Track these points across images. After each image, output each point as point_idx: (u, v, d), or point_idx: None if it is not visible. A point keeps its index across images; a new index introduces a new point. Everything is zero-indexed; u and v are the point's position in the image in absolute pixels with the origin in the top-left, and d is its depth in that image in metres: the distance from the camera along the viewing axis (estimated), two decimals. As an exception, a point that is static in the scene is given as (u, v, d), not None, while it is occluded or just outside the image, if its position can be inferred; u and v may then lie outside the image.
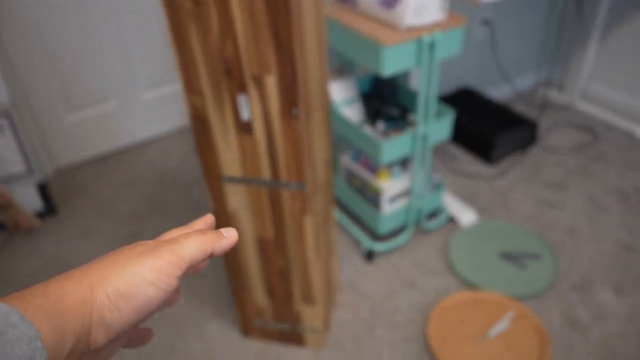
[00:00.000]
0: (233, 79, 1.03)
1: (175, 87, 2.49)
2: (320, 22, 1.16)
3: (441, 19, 1.41)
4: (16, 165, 1.96)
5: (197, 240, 0.36)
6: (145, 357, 1.54)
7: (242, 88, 1.04)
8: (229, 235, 0.38)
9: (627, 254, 1.77)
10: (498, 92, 2.62)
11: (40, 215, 2.08)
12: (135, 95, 2.39)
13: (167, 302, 0.36)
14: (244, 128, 1.10)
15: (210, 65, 1.02)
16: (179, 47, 1.01)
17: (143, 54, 2.32)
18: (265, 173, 1.17)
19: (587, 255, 1.77)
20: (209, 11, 0.94)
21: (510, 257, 1.76)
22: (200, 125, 1.13)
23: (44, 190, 2.06)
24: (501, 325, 1.53)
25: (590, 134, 2.37)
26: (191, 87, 1.07)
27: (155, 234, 1.98)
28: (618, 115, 2.45)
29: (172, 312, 1.66)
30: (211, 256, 0.37)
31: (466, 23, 2.28)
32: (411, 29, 1.38)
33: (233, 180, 1.20)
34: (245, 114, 1.08)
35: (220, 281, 1.76)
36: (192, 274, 0.40)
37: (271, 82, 1.02)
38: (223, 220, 1.29)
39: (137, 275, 0.32)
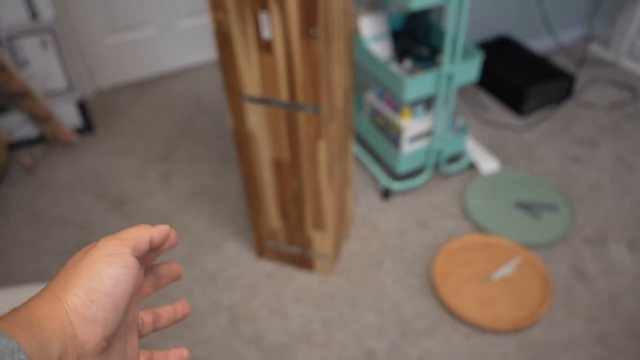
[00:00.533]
0: (255, -5, 1.05)
1: (213, 17, 2.51)
2: (349, -55, 1.16)
3: (477, -47, 1.37)
4: (58, 81, 2.05)
5: (133, 227, 0.37)
6: (165, 265, 1.65)
7: (264, 5, 1.06)
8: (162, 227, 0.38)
9: (647, 214, 1.74)
10: (539, 43, 2.53)
11: (79, 131, 2.19)
12: (175, 22, 2.43)
13: (139, 281, 0.37)
14: (265, 47, 1.13)
15: (234, -20, 1.05)
16: (205, -40, 1.04)
17: (183, -19, 2.34)
18: (283, 94, 1.20)
19: (606, 212, 1.76)
20: None
21: (526, 206, 1.76)
22: (223, 42, 1.16)
23: (83, 108, 2.16)
24: (506, 270, 1.56)
25: (631, 92, 2.29)
26: (216, 1, 1.10)
27: (185, 155, 2.06)
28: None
29: (194, 230, 1.76)
30: (153, 245, 0.37)
31: (512, -33, 2.19)
32: (444, -38, 1.35)
33: (253, 99, 1.24)
34: (266, 32, 1.10)
35: (240, 207, 1.84)
36: (155, 255, 0.41)
37: (292, 1, 1.04)
38: (243, 140, 1.35)
39: (93, 265, 0.32)
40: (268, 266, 1.64)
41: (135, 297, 0.38)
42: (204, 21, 2.49)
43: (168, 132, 2.20)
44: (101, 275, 0.32)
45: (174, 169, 2.01)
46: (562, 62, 2.49)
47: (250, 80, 1.21)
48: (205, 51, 2.59)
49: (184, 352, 0.42)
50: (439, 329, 1.45)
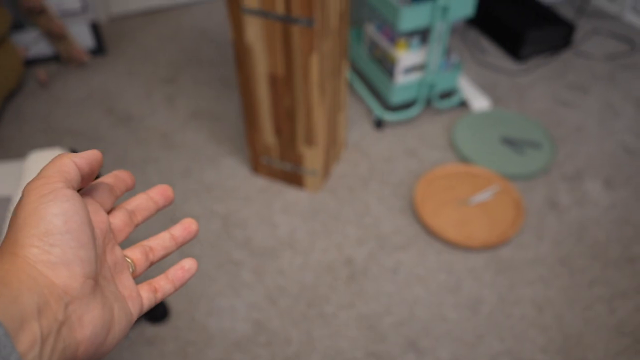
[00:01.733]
0: None
1: (225, -50, 2.55)
2: None
3: None
4: (73, 1, 2.13)
5: (51, 161, 0.32)
6: (164, 176, 1.77)
7: None
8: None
9: (626, 155, 1.82)
10: (546, -6, 2.55)
11: (91, 52, 2.28)
12: (186, -48, 2.48)
13: (99, 217, 0.34)
14: (263, -44, 1.20)
15: None
16: None
17: None
18: (280, 6, 1.28)
19: (587, 152, 1.84)
20: None
21: (510, 142, 1.84)
22: (224, -49, 1.23)
23: (96, 30, 2.25)
24: (483, 195, 1.66)
25: (629, 44, 2.32)
26: None
27: (189, 80, 2.16)
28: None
29: (193, 146, 1.87)
30: (83, 171, 0.32)
31: None
32: None
33: (251, 12, 1.32)
34: (264, -59, 1.17)
35: (238, 128, 1.94)
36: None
37: None
38: (241, 52, 1.43)
39: (32, 212, 0.28)
40: (261, 181, 1.75)
41: (109, 237, 0.34)
42: (216, -47, 2.54)
43: (174, 58, 2.29)
44: (46, 218, 0.28)
45: (177, 92, 2.11)
46: (566, 12, 2.52)
47: (249, -9, 1.29)
48: (216, -16, 2.64)
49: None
50: (414, 244, 1.56)
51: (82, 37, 2.23)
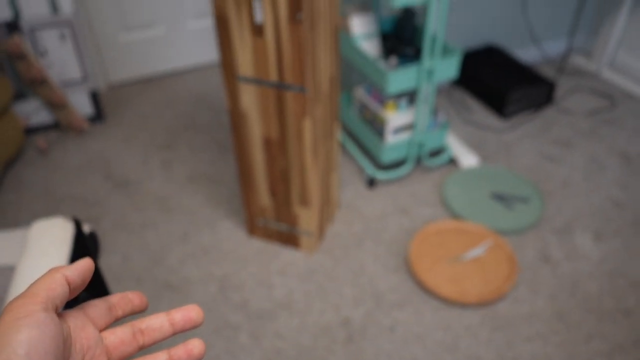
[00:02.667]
0: (249, -17, 1.21)
1: (220, 21, 2.69)
2: (334, -54, 1.32)
3: (453, -40, 1.53)
4: (73, 71, 2.22)
5: (43, 276, 0.33)
6: (163, 241, 1.79)
7: (256, -7, 1.22)
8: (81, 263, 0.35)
9: (614, 208, 1.86)
10: (525, 54, 2.68)
11: (90, 120, 2.35)
12: (183, 23, 2.61)
13: (67, 334, 0.33)
14: (257, 30, 1.28)
15: (231, -30, 1.20)
16: (206, -48, 1.20)
17: (193, -14, 2.53)
18: (273, 74, 1.35)
19: (575, 206, 1.88)
20: None
21: (500, 197, 1.89)
22: (221, 25, 1.31)
23: (95, 98, 2.33)
24: (477, 251, 1.68)
25: (609, 100, 2.42)
26: (215, -10, 1.25)
27: (186, 145, 2.22)
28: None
29: (191, 210, 1.90)
30: (73, 285, 0.34)
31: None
32: (423, -34, 1.51)
33: (246, 79, 1.39)
34: (258, 17, 1.25)
35: (234, 191, 1.98)
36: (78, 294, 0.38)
37: (280, -11, 1.19)
38: (236, 117, 1.49)
39: (4, 331, 0.29)
40: (257, 243, 1.77)
41: (95, 354, 0.34)
42: (209, 23, 2.67)
43: (171, 124, 2.36)
44: (11, 344, 0.28)
45: (174, 157, 2.16)
46: (546, 71, 2.64)
47: (244, 61, 1.36)
48: (209, 52, 2.76)
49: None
50: (411, 301, 1.57)
51: (81, 105, 2.30)
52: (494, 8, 2.43)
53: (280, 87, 1.37)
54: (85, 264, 0.35)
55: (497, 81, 2.31)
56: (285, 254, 1.73)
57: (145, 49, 2.61)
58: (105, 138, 2.27)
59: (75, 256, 0.85)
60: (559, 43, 2.74)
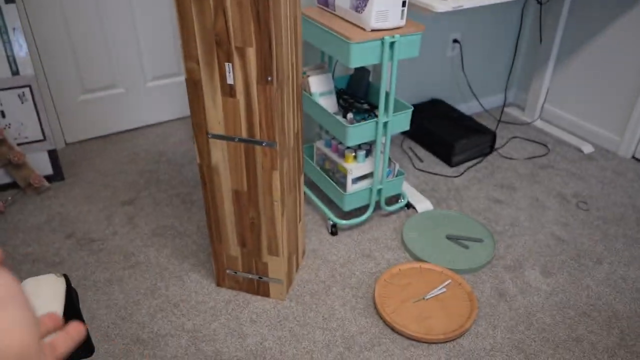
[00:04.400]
0: (222, 49, 1.31)
1: (177, 79, 2.78)
2: (297, 14, 1.45)
3: (402, 25, 1.71)
4: (32, 131, 2.23)
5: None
6: (130, 297, 1.79)
7: (229, 57, 1.32)
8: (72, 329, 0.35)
9: (557, 244, 2.03)
10: (467, 107, 2.91)
11: (49, 179, 2.34)
12: (142, 84, 2.68)
13: None
14: (228, 91, 1.38)
15: (205, 37, 1.31)
16: (182, 22, 1.30)
17: (152, 47, 2.62)
18: (243, 131, 1.44)
19: (523, 244, 2.03)
20: (207, -7, 1.23)
21: (455, 239, 2.01)
22: (194, 87, 1.40)
23: (54, 157, 2.33)
24: (438, 290, 1.78)
25: (544, 147, 2.66)
26: (189, 55, 1.35)
27: (148, 201, 2.24)
28: (569, 133, 2.74)
29: (158, 264, 1.91)
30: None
31: (438, 38, 2.59)
32: (376, 31, 1.67)
33: (217, 137, 1.47)
34: (230, 79, 1.35)
35: (200, 244, 2.01)
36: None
37: (252, 53, 1.30)
38: (207, 174, 1.56)
39: None
40: (227, 293, 1.80)
41: None
42: (168, 83, 2.75)
43: (133, 181, 2.38)
44: None
45: (138, 212, 2.18)
46: (486, 122, 2.87)
47: (215, 120, 1.44)
48: (168, 110, 2.83)
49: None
50: (380, 342, 1.63)
51: (40, 164, 2.29)
52: (436, 67, 2.66)
53: (250, 142, 1.46)
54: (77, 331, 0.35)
55: (444, 133, 2.50)
56: (256, 303, 1.76)
57: (104, 108, 2.64)
58: (65, 196, 2.26)
59: (67, 313, 0.87)
60: (495, 97, 3.00)
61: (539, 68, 2.78)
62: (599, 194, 2.33)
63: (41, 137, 2.25)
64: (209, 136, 1.48)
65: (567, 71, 2.72)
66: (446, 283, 1.81)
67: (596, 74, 2.59)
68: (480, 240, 2.01)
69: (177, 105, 2.84)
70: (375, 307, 1.74)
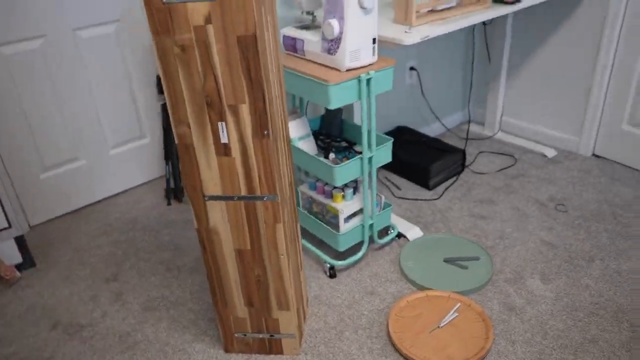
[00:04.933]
0: (213, 109, 1.28)
1: (141, 142, 2.70)
2: (279, 65, 1.45)
3: (374, 61, 1.74)
4: (-4, 220, 2.08)
5: None
6: (136, 377, 1.67)
7: (221, 116, 1.29)
8: None
9: (548, 249, 2.08)
10: (431, 130, 2.99)
11: (20, 267, 2.18)
12: (105, 153, 2.58)
13: None
14: (223, 150, 1.34)
15: (194, 99, 1.28)
16: (169, 88, 1.27)
17: (111, 114, 2.54)
18: (242, 189, 1.40)
19: (517, 254, 2.07)
20: (194, 55, 1.21)
21: (453, 261, 2.03)
22: (185, 152, 1.36)
23: (22, 244, 2.18)
24: (451, 316, 1.78)
25: (511, 158, 2.76)
26: (179, 119, 1.31)
27: (133, 273, 2.13)
28: (531, 141, 2.87)
29: (158, 340, 1.80)
30: None
31: (395, 68, 2.67)
32: (351, 70, 1.70)
33: (214, 198, 1.43)
34: (224, 138, 1.32)
35: (198, 310, 1.92)
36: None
37: (245, 110, 1.28)
38: (207, 237, 1.50)
39: None
40: (237, 358, 1.71)
41: None
42: (131, 148, 2.67)
43: (110, 254, 2.26)
44: None
45: (123, 287, 2.06)
46: (453, 141, 2.95)
47: (211, 181, 1.40)
48: (136, 175, 2.74)
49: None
50: (407, 379, 1.59)
51: (8, 253, 2.14)
52: (397, 96, 2.72)
53: (250, 199, 1.42)
54: None
55: (417, 158, 2.54)
56: (270, 363, 1.69)
57: (68, 183, 2.52)
58: (41, 283, 2.11)
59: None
60: (455, 116, 3.11)
61: (492, 84, 2.91)
62: (571, 194, 2.43)
63: (6, 225, 2.11)
64: (206, 199, 1.43)
65: (518, 83, 2.86)
66: (456, 307, 1.81)
67: (546, 82, 2.74)
68: (477, 259, 2.04)
69: (144, 169, 2.75)
70: (393, 345, 1.70)
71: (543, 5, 2.60)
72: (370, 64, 1.74)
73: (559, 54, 2.63)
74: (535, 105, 2.83)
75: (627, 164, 2.61)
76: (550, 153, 2.75)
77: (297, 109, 2.06)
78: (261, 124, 1.30)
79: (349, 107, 2.22)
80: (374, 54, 1.73)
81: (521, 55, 2.79)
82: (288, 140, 1.59)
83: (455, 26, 1.91)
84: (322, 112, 2.25)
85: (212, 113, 1.29)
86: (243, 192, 1.41)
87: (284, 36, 1.88)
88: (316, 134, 2.12)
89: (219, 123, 1.30)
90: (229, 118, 1.29)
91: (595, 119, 2.62)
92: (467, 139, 2.98)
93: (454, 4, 2.02)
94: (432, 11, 1.97)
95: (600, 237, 2.14)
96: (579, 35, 2.52)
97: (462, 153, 2.59)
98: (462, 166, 2.63)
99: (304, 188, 2.08)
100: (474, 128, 3.08)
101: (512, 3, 2.09)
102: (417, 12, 1.92)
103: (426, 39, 1.79)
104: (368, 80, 1.71)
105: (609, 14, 2.38)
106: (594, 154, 2.73)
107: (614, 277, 1.92)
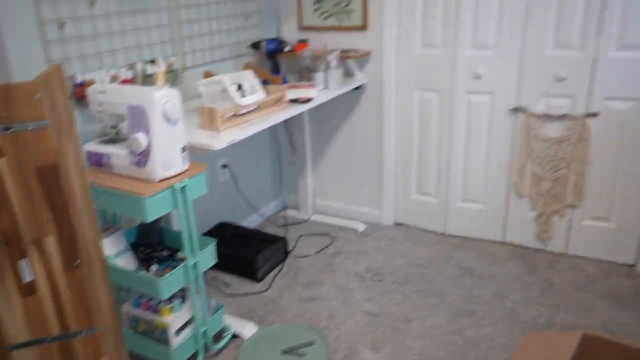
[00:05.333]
0: (12, 247, 1.15)
1: None
2: (85, 185, 1.38)
3: (186, 168, 1.76)
4: None
5: None
6: None
7: (23, 254, 1.17)
8: None
9: (372, 319, 2.25)
10: (250, 222, 3.07)
11: None
12: None
13: None
14: (28, 290, 1.20)
15: (-14, 240, 1.13)
16: (-49, 230, 1.11)
17: None
18: (54, 328, 1.26)
19: (347, 330, 2.19)
20: (-17, 193, 1.09)
21: (290, 351, 2.05)
22: (-21, 299, 1.18)
23: None
24: (298, 409, 1.77)
25: (328, 237, 2.96)
26: (-33, 264, 1.14)
27: None
28: (342, 218, 3.13)
29: None
30: None
31: (208, 169, 2.72)
32: (163, 180, 1.69)
33: (21, 346, 1.25)
34: (27, 277, 1.19)
35: None
36: None
37: (51, 242, 1.18)
38: (13, 391, 1.29)
39: None
40: None
41: None
42: None
43: None
44: None
45: None
46: (273, 230, 3.06)
47: (15, 328, 1.23)
48: None
49: None
50: None
51: None
52: (213, 194, 2.76)
53: (65, 337, 1.28)
54: None
55: (241, 251, 2.57)
56: None
57: None
58: None
59: None
60: (271, 205, 3.25)
61: (300, 171, 3.14)
62: (383, 262, 2.69)
63: None
64: (9, 349, 1.24)
65: (323, 167, 3.14)
66: (301, 398, 1.82)
67: (346, 164, 3.06)
68: (312, 343, 2.09)
69: None
70: None
71: (331, 102, 2.95)
72: (182, 172, 1.76)
73: (352, 139, 2.98)
74: (340, 186, 3.13)
75: (422, 227, 3.01)
76: (361, 227, 3.03)
77: (110, 223, 1.95)
78: (70, 254, 1.20)
79: (167, 214, 2.18)
80: (184, 162, 1.75)
81: (321, 143, 3.09)
82: (104, 263, 1.49)
83: (259, 127, 2.05)
84: (139, 221, 2.17)
85: (12, 252, 1.16)
86: (55, 331, 1.26)
87: (88, 152, 1.81)
88: (135, 246, 2.02)
89: (22, 260, 1.17)
90: (33, 253, 1.18)
91: (390, 192, 2.99)
92: (285, 225, 3.13)
93: (254, 107, 2.17)
94: (235, 115, 2.10)
95: (412, 298, 2.39)
96: (365, 122, 2.91)
97: (283, 240, 2.70)
98: (285, 253, 2.74)
99: (126, 307, 1.94)
100: (290, 213, 3.25)
101: (305, 102, 2.33)
102: (221, 117, 2.02)
103: (233, 142, 1.89)
104: (182, 188, 1.72)
105: (383, 104, 2.80)
106: (396, 223, 3.08)
107: (430, 332, 2.15)
